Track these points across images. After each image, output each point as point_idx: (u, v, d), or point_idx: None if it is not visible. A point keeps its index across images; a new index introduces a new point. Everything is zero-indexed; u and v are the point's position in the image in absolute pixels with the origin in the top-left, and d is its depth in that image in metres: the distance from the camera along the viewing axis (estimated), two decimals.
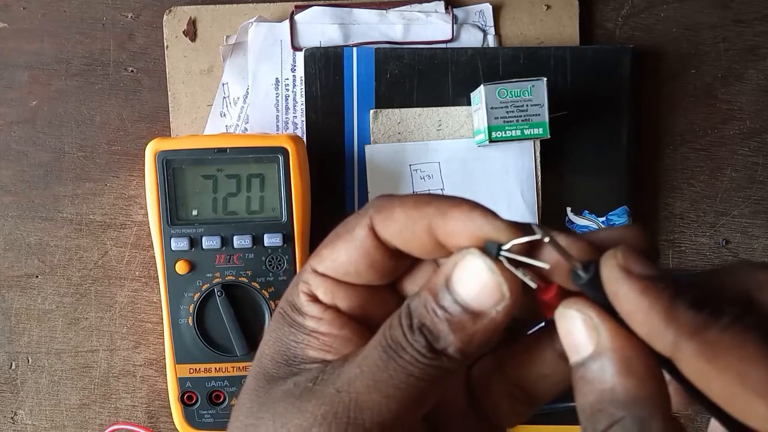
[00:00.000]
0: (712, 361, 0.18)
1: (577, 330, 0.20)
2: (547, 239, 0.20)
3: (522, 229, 0.21)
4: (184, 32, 0.55)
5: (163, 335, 0.52)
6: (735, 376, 0.18)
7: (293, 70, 0.55)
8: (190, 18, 0.55)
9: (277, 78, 0.55)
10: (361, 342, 0.22)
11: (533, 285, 0.20)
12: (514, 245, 0.20)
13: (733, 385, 0.18)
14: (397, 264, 0.23)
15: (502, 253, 0.20)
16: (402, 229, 0.22)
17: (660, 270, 0.20)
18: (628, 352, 0.20)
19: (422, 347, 0.20)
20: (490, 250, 0.21)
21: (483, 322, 0.20)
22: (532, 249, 0.21)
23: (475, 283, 0.20)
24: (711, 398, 0.19)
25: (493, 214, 0.21)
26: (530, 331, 0.24)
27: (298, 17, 0.55)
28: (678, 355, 0.19)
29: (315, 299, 0.23)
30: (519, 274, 0.20)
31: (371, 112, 0.54)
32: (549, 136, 0.49)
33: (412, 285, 0.24)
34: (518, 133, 0.49)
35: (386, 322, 0.22)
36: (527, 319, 0.24)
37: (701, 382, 0.19)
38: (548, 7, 0.55)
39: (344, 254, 0.23)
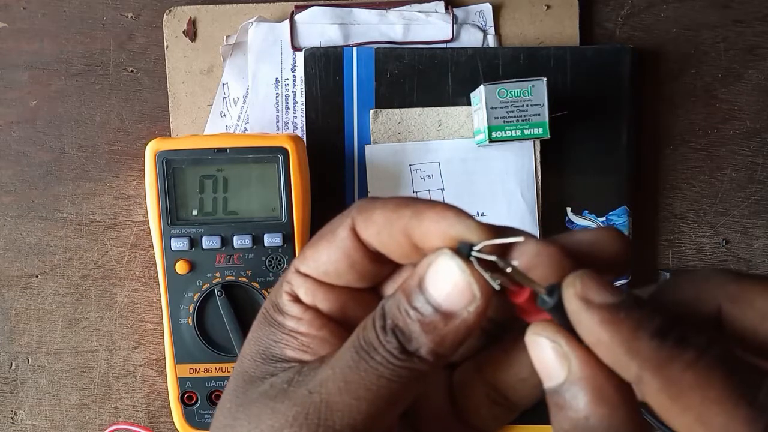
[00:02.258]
0: (674, 400, 0.18)
1: (547, 357, 0.20)
2: (509, 269, 0.20)
3: (496, 230, 0.21)
4: (184, 32, 0.55)
5: (163, 335, 0.52)
6: (696, 418, 0.18)
7: (293, 70, 0.55)
8: (190, 18, 0.55)
9: (277, 78, 0.55)
10: (339, 344, 0.22)
11: (496, 287, 0.20)
12: (485, 246, 0.20)
13: (694, 424, 0.18)
14: (379, 268, 0.23)
15: (473, 253, 0.20)
16: (380, 230, 0.22)
17: (622, 295, 0.19)
18: (599, 381, 0.19)
19: (394, 348, 0.20)
20: (462, 250, 0.20)
21: (455, 323, 0.20)
22: (506, 253, 0.21)
23: (447, 284, 0.20)
24: (673, 429, 0.19)
25: (466, 215, 0.21)
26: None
27: (298, 17, 0.55)
28: (641, 387, 0.19)
29: (296, 299, 0.23)
30: (485, 274, 0.20)
31: (371, 112, 0.54)
32: (549, 136, 0.49)
33: (393, 290, 0.24)
34: (518, 133, 0.49)
35: (361, 323, 0.21)
36: (507, 322, 0.24)
37: (664, 415, 0.18)
38: (548, 7, 0.55)
39: (325, 255, 0.23)
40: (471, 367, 0.24)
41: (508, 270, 0.20)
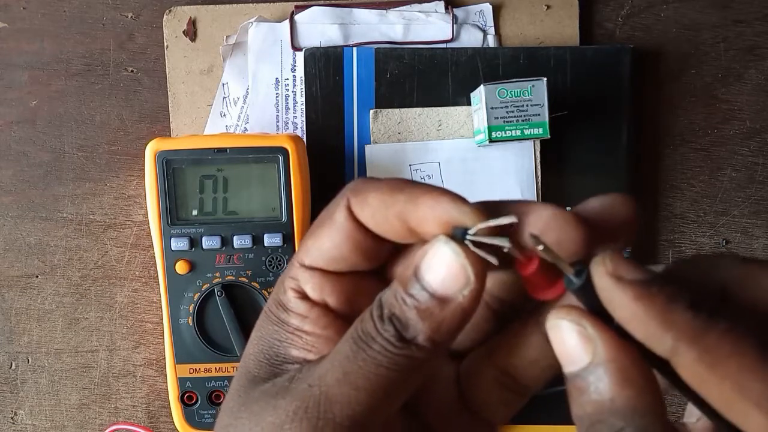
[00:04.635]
0: (711, 368, 0.18)
1: (571, 341, 0.20)
2: (541, 247, 0.20)
3: (494, 208, 0.21)
4: (184, 32, 0.55)
5: (163, 335, 0.52)
6: (734, 385, 0.18)
7: (293, 70, 0.55)
8: (190, 18, 0.55)
9: (277, 78, 0.55)
10: None
11: (494, 261, 0.20)
12: (480, 229, 0.20)
13: (731, 393, 0.18)
14: (382, 246, 0.23)
15: (468, 237, 0.20)
16: (375, 213, 0.22)
17: (651, 272, 0.19)
18: (625, 362, 0.19)
19: (391, 336, 0.20)
20: (458, 235, 0.20)
21: (450, 307, 0.20)
22: (504, 227, 0.21)
23: (441, 268, 0.20)
24: (708, 402, 0.19)
25: (461, 200, 0.21)
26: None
27: (298, 17, 0.55)
28: (676, 359, 0.19)
29: (303, 296, 0.23)
30: (481, 252, 0.20)
31: (371, 112, 0.54)
32: (549, 136, 0.49)
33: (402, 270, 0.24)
34: (518, 133, 0.49)
35: (360, 316, 0.21)
36: (516, 304, 0.24)
37: (699, 387, 0.19)
38: (548, 7, 0.55)
39: (328, 240, 0.23)
40: (479, 354, 0.24)
41: (540, 248, 0.20)
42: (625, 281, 0.19)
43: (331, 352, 0.21)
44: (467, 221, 0.20)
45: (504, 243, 0.20)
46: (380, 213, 0.22)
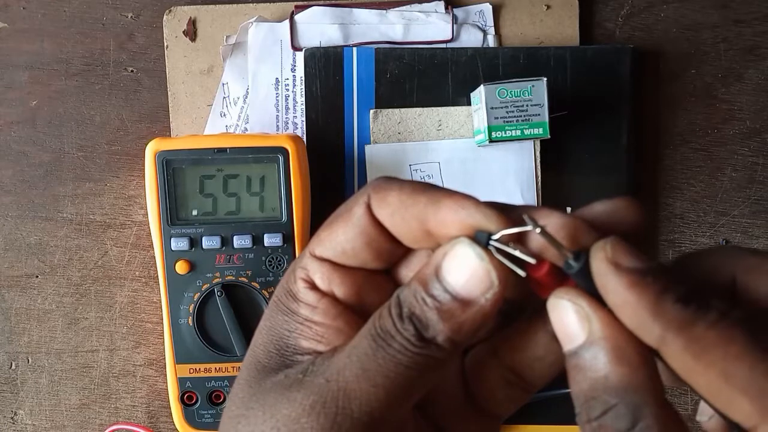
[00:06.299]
0: (697, 357, 0.18)
1: (569, 319, 0.20)
2: (538, 230, 0.20)
3: (515, 211, 0.21)
4: (184, 32, 0.55)
5: (163, 335, 0.52)
6: (719, 373, 0.18)
7: (293, 70, 0.55)
8: (190, 18, 0.55)
9: (277, 78, 0.55)
10: (354, 334, 0.22)
11: (522, 274, 0.21)
12: (504, 235, 0.20)
13: (717, 381, 0.18)
14: (395, 247, 0.23)
15: (492, 242, 0.21)
16: (394, 213, 0.22)
17: (649, 262, 0.20)
18: (619, 341, 0.20)
19: (411, 336, 0.20)
20: (480, 239, 0.21)
21: (472, 310, 0.21)
22: (523, 233, 0.21)
23: (465, 271, 0.21)
24: (698, 392, 0.19)
25: (486, 204, 0.21)
26: None
27: (298, 17, 0.55)
28: (664, 348, 0.19)
29: (312, 286, 0.23)
30: (508, 263, 0.21)
31: (371, 112, 0.54)
32: (549, 136, 0.49)
33: (408, 272, 0.24)
34: (518, 133, 0.49)
35: (376, 312, 0.22)
36: (522, 303, 0.24)
37: (687, 376, 0.19)
38: (548, 7, 0.55)
39: (342, 234, 0.23)
40: (484, 349, 0.24)
41: (537, 231, 0.20)
42: (621, 268, 0.20)
43: (348, 347, 0.21)
44: (491, 227, 0.21)
45: (530, 260, 0.20)
46: (399, 213, 0.22)
